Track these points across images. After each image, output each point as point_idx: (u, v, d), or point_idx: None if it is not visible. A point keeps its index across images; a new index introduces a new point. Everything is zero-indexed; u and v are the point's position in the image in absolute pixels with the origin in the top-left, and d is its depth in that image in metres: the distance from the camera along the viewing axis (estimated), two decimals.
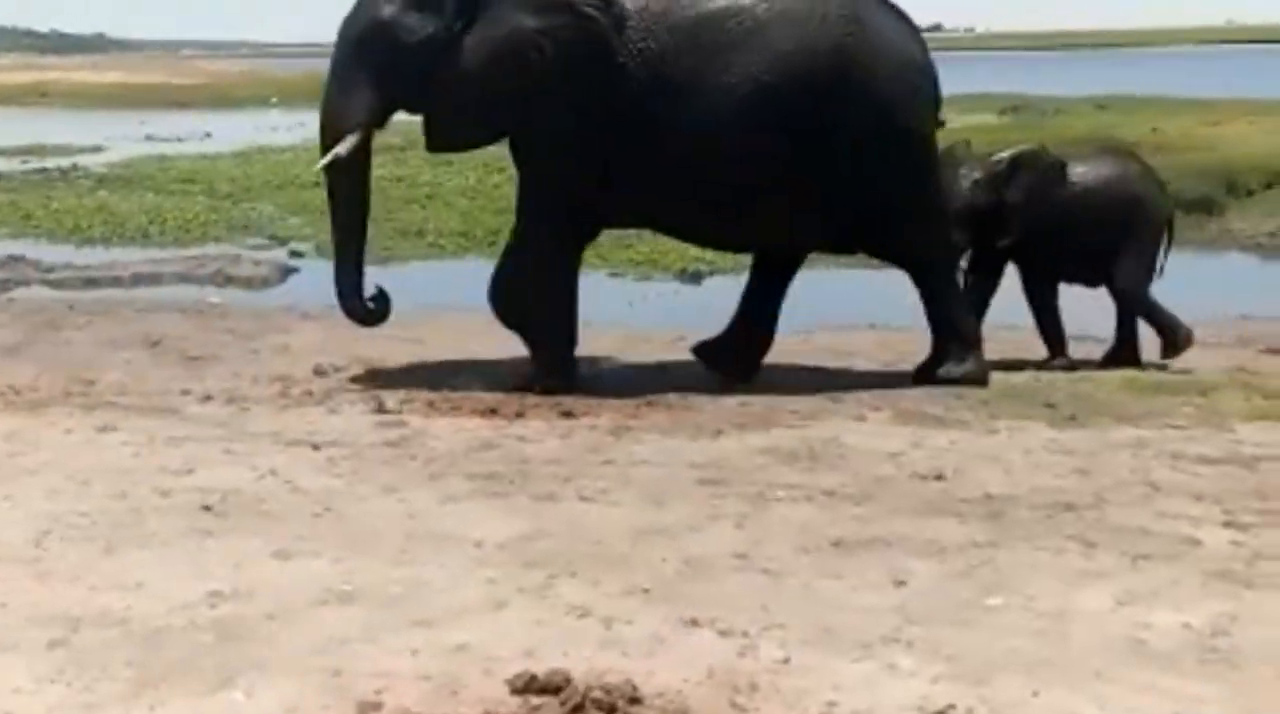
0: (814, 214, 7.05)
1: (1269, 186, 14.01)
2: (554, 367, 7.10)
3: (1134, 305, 7.79)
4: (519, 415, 6.47)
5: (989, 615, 4.03)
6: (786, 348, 7.94)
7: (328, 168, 7.15)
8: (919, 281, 7.28)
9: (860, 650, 3.75)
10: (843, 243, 7.47)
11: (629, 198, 7.05)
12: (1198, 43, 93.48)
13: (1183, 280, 11.35)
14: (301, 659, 3.69)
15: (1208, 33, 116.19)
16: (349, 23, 7.12)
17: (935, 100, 7.30)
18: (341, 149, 7.00)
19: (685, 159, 6.88)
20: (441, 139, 7.24)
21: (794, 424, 6.33)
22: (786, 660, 3.69)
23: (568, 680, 3.49)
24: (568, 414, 6.50)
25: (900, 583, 4.27)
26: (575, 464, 5.63)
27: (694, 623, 3.92)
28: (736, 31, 6.84)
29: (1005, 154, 7.80)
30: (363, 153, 7.13)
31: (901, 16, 7.23)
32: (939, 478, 5.43)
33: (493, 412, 6.53)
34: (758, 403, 6.78)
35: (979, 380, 7.11)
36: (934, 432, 6.18)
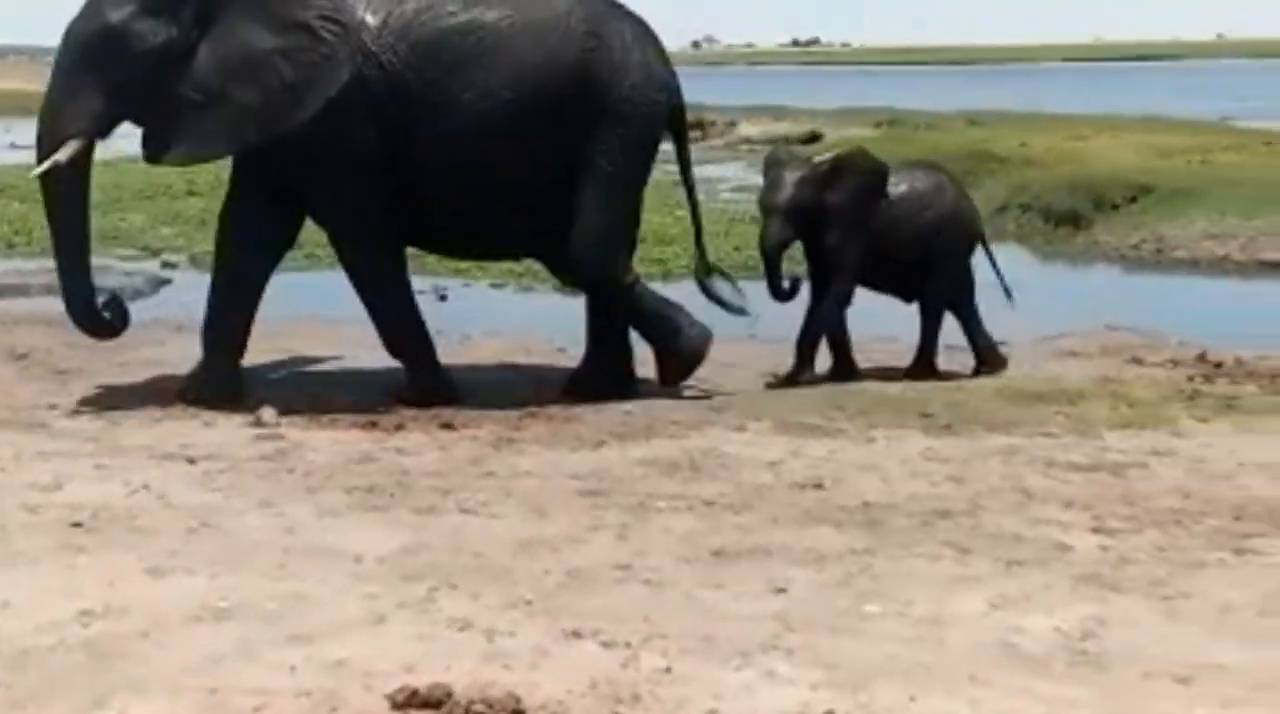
0: (579, 226, 7.03)
1: (1133, 200, 14.37)
2: (427, 379, 7.07)
3: (938, 318, 7.84)
4: (399, 428, 6.42)
5: (867, 622, 4.10)
6: None
7: (45, 176, 6.89)
8: (606, 299, 7.33)
9: (740, 659, 3.79)
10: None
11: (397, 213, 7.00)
12: (1065, 59, 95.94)
13: (1052, 291, 11.66)
14: (176, 678, 3.62)
15: (1075, 49, 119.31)
16: (77, 25, 6.83)
17: (677, 111, 7.42)
18: (61, 156, 6.74)
19: (431, 174, 6.88)
20: (161, 152, 6.97)
21: (675, 434, 6.36)
22: (668, 670, 3.71)
23: (449, 694, 3.48)
24: (448, 426, 6.47)
25: (780, 591, 4.32)
26: (456, 476, 5.60)
27: (576, 634, 3.93)
28: (478, 47, 6.83)
29: (828, 155, 7.87)
30: (84, 160, 6.88)
31: (644, 29, 7.26)
32: (818, 487, 5.50)
33: (372, 424, 6.47)
34: (639, 414, 6.80)
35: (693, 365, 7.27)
36: (812, 441, 6.26)
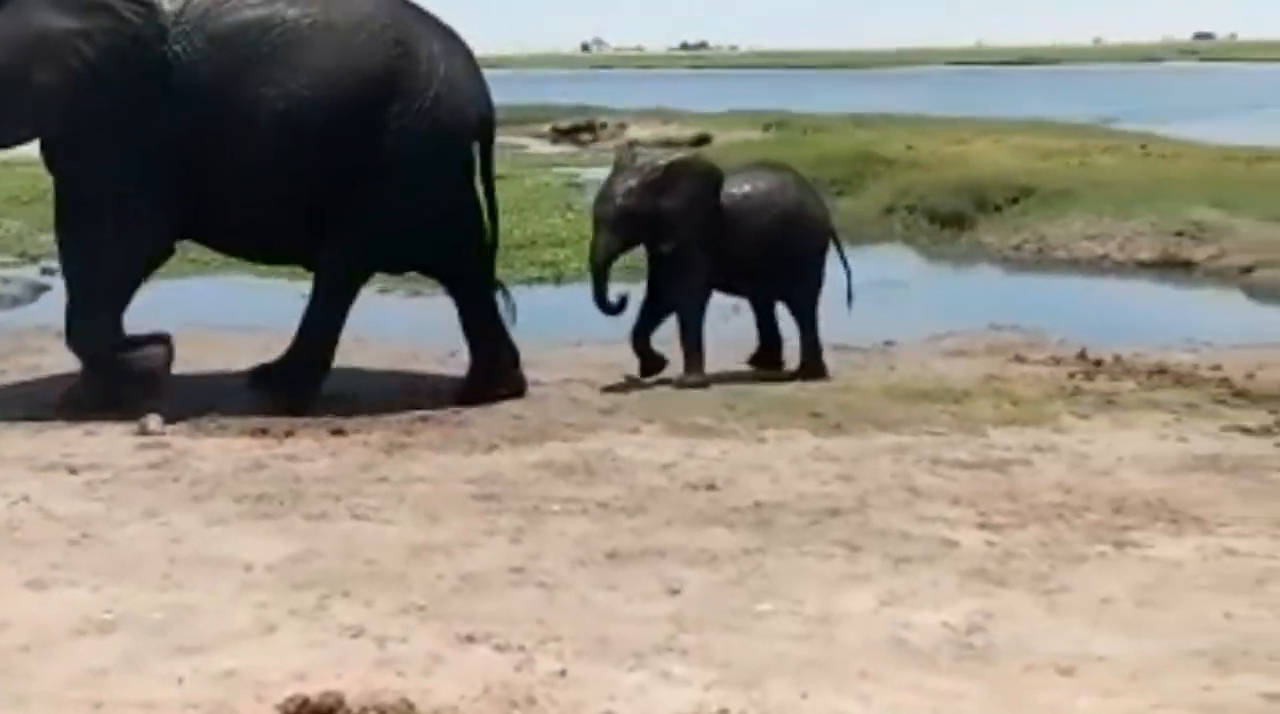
0: (360, 233, 6.92)
1: (1015, 202, 14.64)
2: (100, 382, 6.81)
3: (811, 316, 7.83)
4: (289, 434, 6.35)
5: (759, 621, 4.14)
6: (559, 361, 7.99)
7: None
8: (464, 299, 7.36)
9: (635, 660, 3.81)
10: (394, 264, 7.55)
11: (180, 208, 6.78)
12: (949, 63, 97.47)
13: (938, 291, 11.86)
14: (60, 692, 3.55)
15: (958, 53, 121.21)
16: None
17: (486, 123, 7.27)
18: None
19: (221, 171, 6.70)
20: None
21: (568, 437, 6.37)
22: (563, 673, 3.72)
23: (340, 702, 3.45)
24: (339, 432, 6.41)
25: (674, 592, 4.35)
26: (347, 482, 5.56)
27: (470, 639, 3.92)
28: (276, 43, 6.69)
29: (662, 161, 7.80)
30: None
31: (455, 41, 7.16)
32: (710, 487, 5.54)
33: (262, 431, 6.39)
34: (532, 417, 6.80)
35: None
36: (705, 442, 6.30)
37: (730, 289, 7.88)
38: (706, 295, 7.72)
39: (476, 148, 7.27)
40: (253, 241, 7.24)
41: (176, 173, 6.67)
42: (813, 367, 7.87)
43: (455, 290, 7.49)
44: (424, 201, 6.99)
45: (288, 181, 6.74)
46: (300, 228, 6.91)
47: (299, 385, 6.99)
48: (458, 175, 7.22)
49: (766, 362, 7.94)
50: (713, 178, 7.69)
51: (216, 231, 7.13)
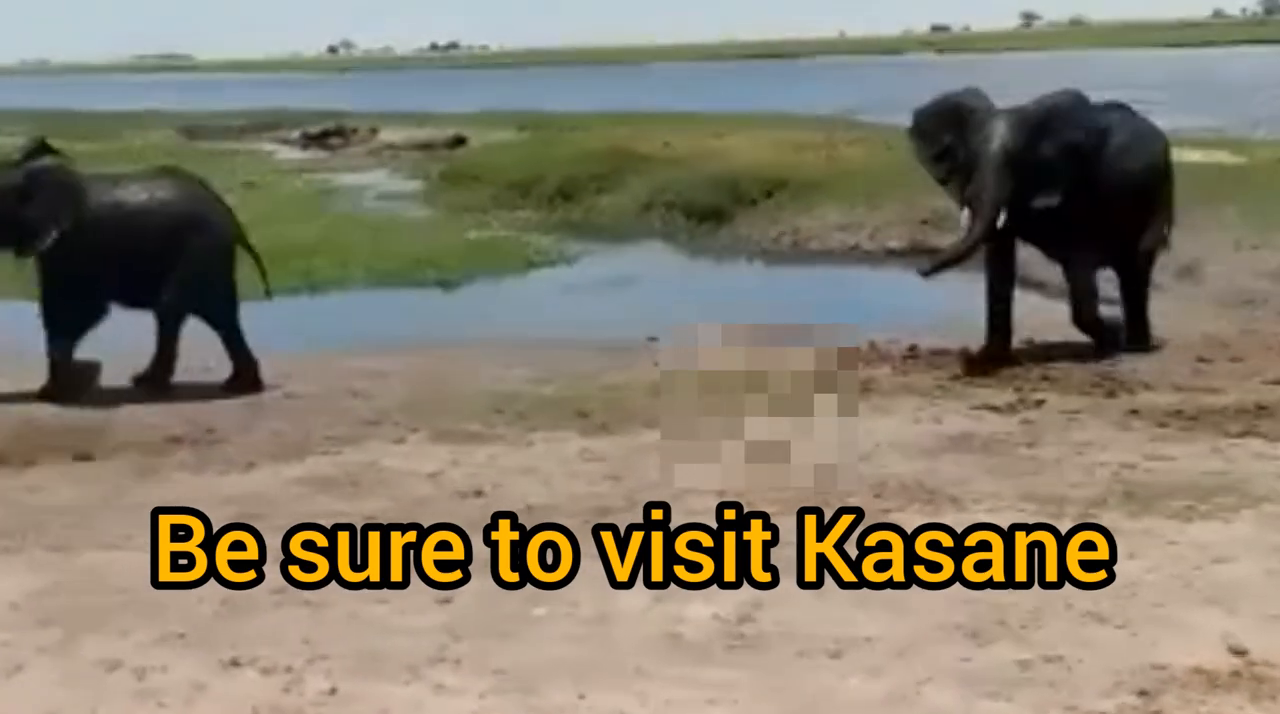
0: None
1: (770, 195, 14.97)
2: None
3: (228, 325, 7.67)
4: (29, 463, 6.04)
5: (535, 625, 4.11)
6: (318, 371, 7.81)
7: None
8: None
9: (408, 673, 3.74)
10: None
11: None
12: (699, 59, 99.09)
13: (699, 286, 12.02)
14: None
15: (708, 49, 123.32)
16: None
17: None
18: None
19: None
20: None
21: (330, 451, 6.23)
22: (333, 692, 3.63)
23: None
24: (85, 457, 6.14)
25: (446, 602, 4.28)
26: (94, 511, 5.32)
27: (235, 663, 3.80)
28: None
29: (27, 167, 7.59)
30: None
31: None
32: (479, 494, 5.49)
33: None
34: (291, 431, 6.62)
35: None
36: (472, 448, 6.23)
37: (129, 301, 7.64)
38: (81, 305, 7.51)
39: None
40: None
41: None
42: (246, 376, 7.62)
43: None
44: None
45: None
46: None
47: None
48: None
49: (245, 379, 7.67)
50: (73, 186, 7.53)
51: None
